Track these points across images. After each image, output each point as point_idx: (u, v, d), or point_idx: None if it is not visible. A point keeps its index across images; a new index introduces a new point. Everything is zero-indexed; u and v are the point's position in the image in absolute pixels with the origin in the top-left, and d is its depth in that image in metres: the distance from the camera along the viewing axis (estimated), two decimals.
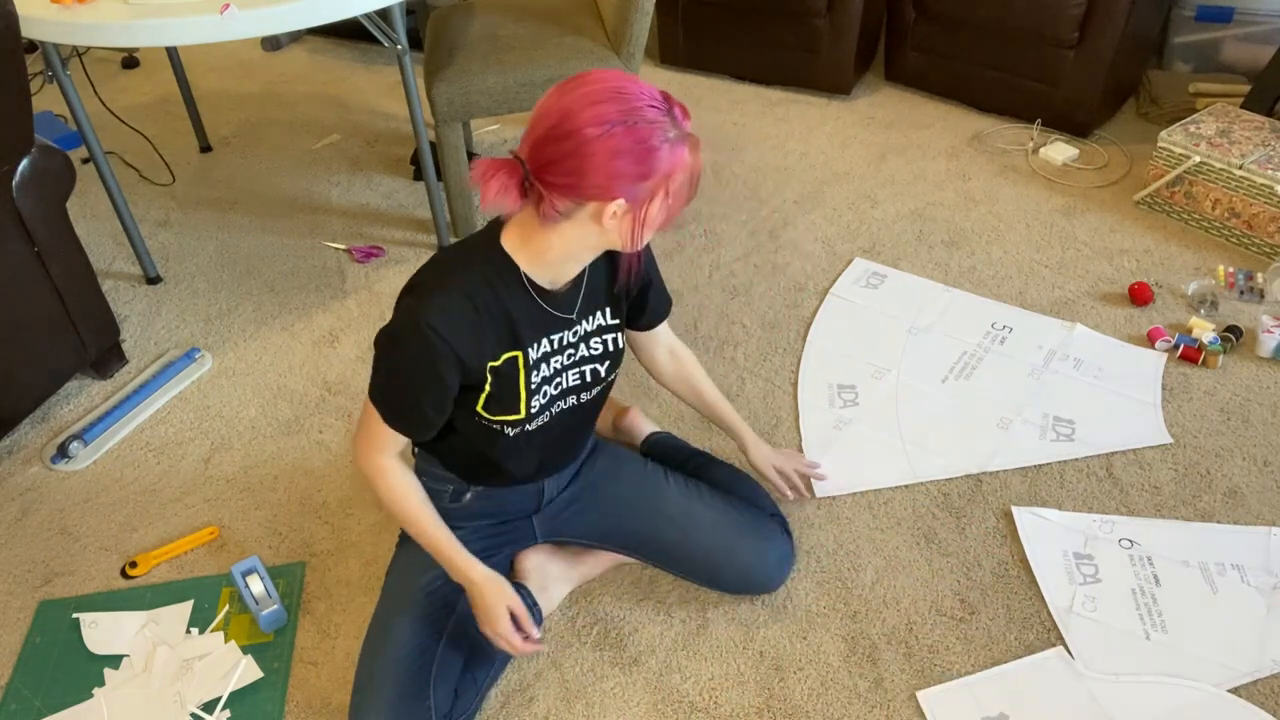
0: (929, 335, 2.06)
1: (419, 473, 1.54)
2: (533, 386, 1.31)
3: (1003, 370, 1.97)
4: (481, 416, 1.31)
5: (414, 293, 1.23)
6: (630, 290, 1.41)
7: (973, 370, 1.96)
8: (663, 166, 1.12)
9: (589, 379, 1.39)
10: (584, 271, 1.31)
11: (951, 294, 2.20)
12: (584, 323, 1.34)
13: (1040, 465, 1.79)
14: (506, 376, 1.28)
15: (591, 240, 1.19)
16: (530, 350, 1.29)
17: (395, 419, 1.29)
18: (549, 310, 1.29)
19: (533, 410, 1.33)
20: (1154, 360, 1.99)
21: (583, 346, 1.35)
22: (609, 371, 1.41)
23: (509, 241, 1.24)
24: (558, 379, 1.35)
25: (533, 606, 1.54)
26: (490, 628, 1.39)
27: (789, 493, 1.69)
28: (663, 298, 1.52)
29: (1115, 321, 2.15)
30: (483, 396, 1.29)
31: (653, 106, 1.11)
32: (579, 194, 1.12)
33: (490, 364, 1.26)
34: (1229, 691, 1.45)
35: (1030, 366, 1.98)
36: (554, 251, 1.21)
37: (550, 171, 1.11)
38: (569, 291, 1.30)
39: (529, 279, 1.24)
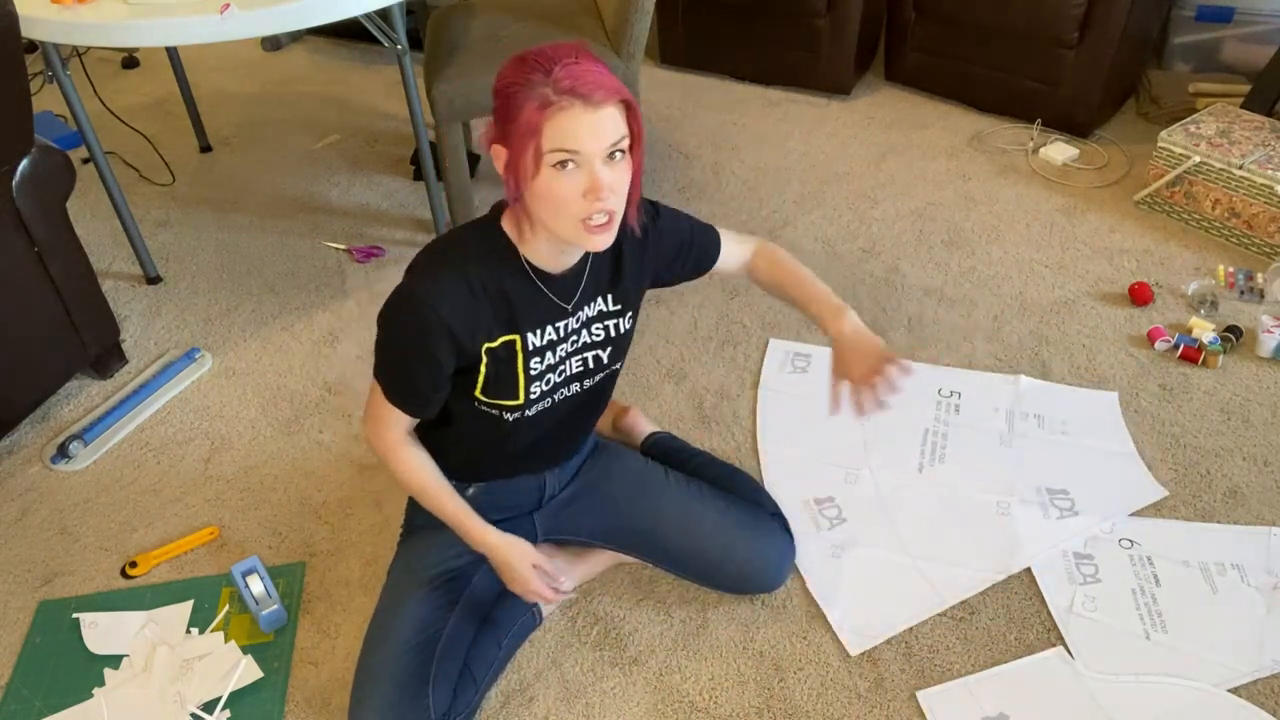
0: (882, 418, 1.89)
1: (410, 508, 1.55)
2: (533, 373, 1.31)
3: (972, 445, 1.85)
4: (480, 401, 1.32)
5: (411, 270, 1.24)
6: (639, 280, 1.39)
7: (943, 451, 1.85)
8: (521, 116, 1.10)
9: (591, 365, 1.39)
10: (588, 259, 1.30)
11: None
12: (585, 308, 1.34)
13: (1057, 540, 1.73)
14: (504, 361, 1.28)
15: (544, 211, 1.17)
16: (530, 336, 1.29)
17: (393, 394, 1.30)
18: (549, 295, 1.28)
19: (532, 396, 1.33)
20: (1108, 401, 1.93)
21: (584, 333, 1.35)
22: (612, 359, 1.40)
23: (508, 222, 1.25)
24: (561, 366, 1.35)
25: (532, 605, 1.54)
26: (520, 587, 1.43)
27: (889, 379, 1.36)
28: (701, 256, 1.46)
29: (1115, 321, 2.15)
30: (480, 379, 1.29)
31: (538, 58, 1.11)
32: (490, 139, 1.16)
33: (486, 345, 1.26)
34: (1229, 691, 1.45)
35: (997, 434, 1.88)
36: (532, 228, 1.22)
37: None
38: (571, 278, 1.29)
39: (528, 262, 1.25)
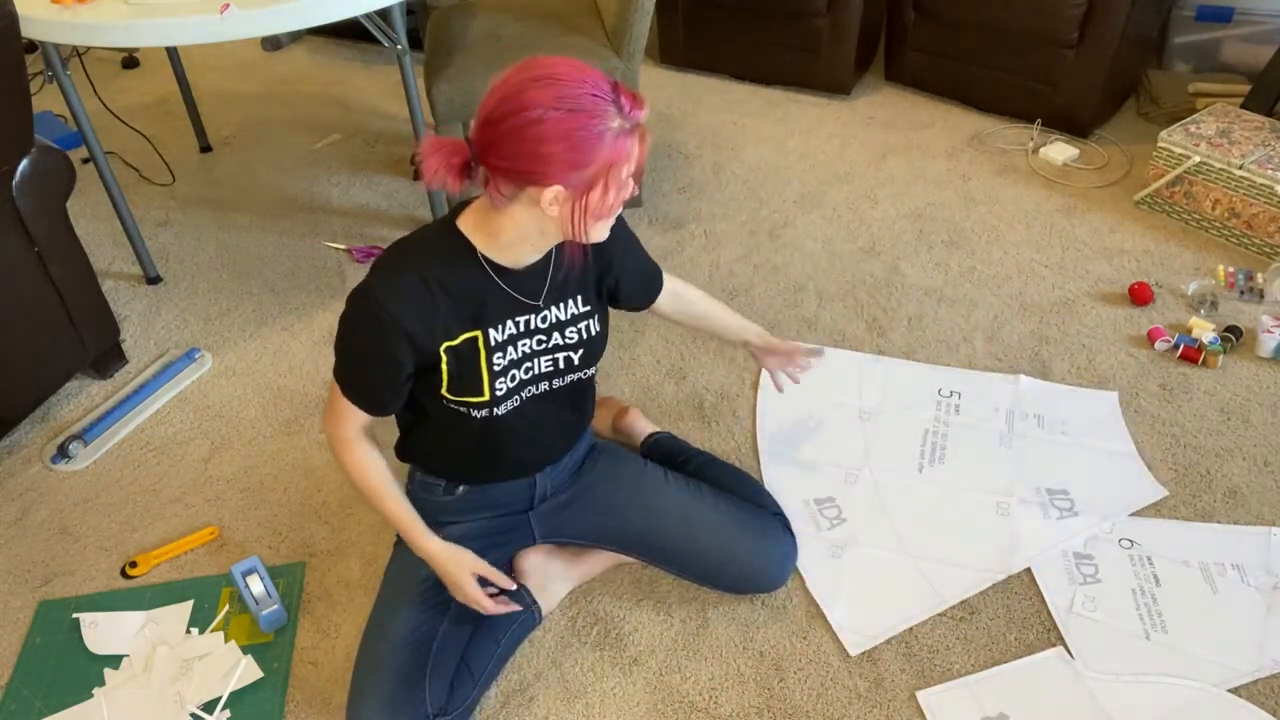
0: (882, 418, 1.92)
1: (410, 477, 1.54)
2: (496, 368, 1.31)
3: (972, 445, 1.85)
4: (446, 399, 1.32)
5: (371, 271, 1.25)
6: (600, 277, 1.40)
7: (943, 451, 1.85)
8: (602, 155, 1.10)
9: (561, 365, 1.39)
10: (550, 255, 1.30)
11: (883, 364, 2.05)
12: (555, 309, 1.34)
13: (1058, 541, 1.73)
14: (466, 357, 1.28)
15: (539, 225, 1.19)
16: (492, 331, 1.29)
17: (350, 392, 1.31)
18: (511, 293, 1.28)
19: (498, 393, 1.33)
20: (1108, 401, 1.93)
21: (556, 335, 1.35)
22: (584, 361, 1.40)
23: (465, 222, 1.25)
24: (527, 363, 1.35)
25: (531, 604, 1.54)
26: (461, 595, 1.42)
27: (788, 378, 1.72)
28: (644, 281, 1.52)
29: (1115, 321, 2.15)
30: (444, 378, 1.29)
31: (595, 95, 1.08)
32: (516, 178, 1.12)
33: (446, 344, 1.26)
34: (1229, 691, 1.45)
35: (996, 434, 1.88)
36: (506, 234, 1.22)
37: (491, 154, 1.12)
38: (533, 276, 1.29)
39: (486, 259, 1.25)
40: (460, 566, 1.40)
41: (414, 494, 1.51)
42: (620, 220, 1.38)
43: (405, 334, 1.22)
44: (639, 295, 1.52)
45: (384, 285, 1.21)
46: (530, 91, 1.08)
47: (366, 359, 1.26)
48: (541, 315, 1.33)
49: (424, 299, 1.22)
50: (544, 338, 1.34)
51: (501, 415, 1.36)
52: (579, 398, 1.48)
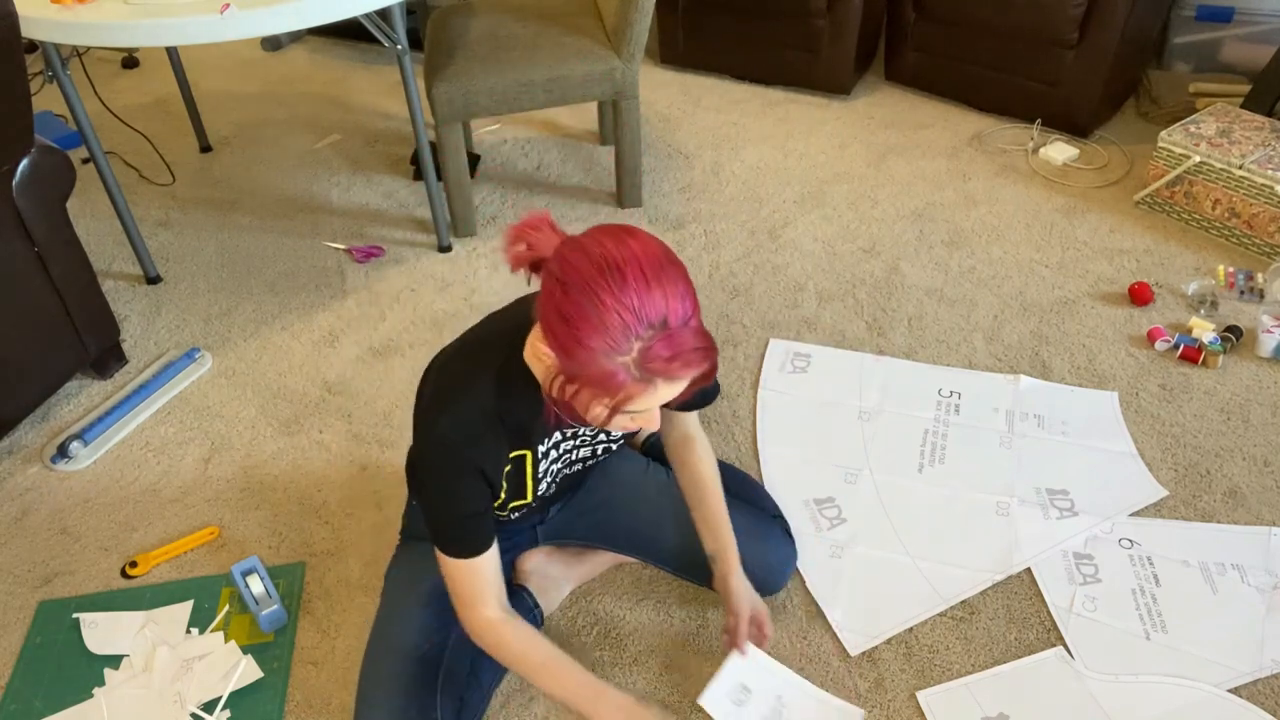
0: (882, 418, 1.91)
1: (413, 505, 1.54)
2: (539, 474, 1.31)
3: (972, 445, 1.85)
4: (495, 513, 1.31)
5: (428, 415, 1.18)
6: None
7: (943, 451, 1.85)
8: (590, 373, 0.99)
9: (600, 452, 1.39)
10: None
11: (883, 363, 2.05)
12: None
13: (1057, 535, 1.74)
14: (515, 474, 1.27)
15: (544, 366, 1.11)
16: (540, 446, 1.27)
17: (457, 543, 1.23)
18: (564, 419, 1.24)
19: (540, 492, 1.33)
20: (1108, 401, 1.93)
21: (601, 434, 1.35)
22: (619, 439, 1.40)
23: (531, 355, 1.17)
24: (567, 455, 1.34)
25: (534, 608, 1.54)
26: None
27: (741, 644, 1.41)
28: (700, 397, 1.40)
29: (1115, 321, 2.15)
30: (502, 497, 1.28)
31: (628, 321, 0.96)
32: (538, 313, 1.04)
33: (506, 469, 1.24)
34: (1229, 691, 1.45)
35: (997, 434, 1.87)
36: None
37: (542, 273, 1.05)
38: None
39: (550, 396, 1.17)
40: None
41: (416, 509, 1.51)
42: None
43: (481, 473, 1.19)
44: (690, 403, 1.41)
45: (457, 429, 1.15)
46: (584, 253, 0.99)
47: (455, 494, 1.20)
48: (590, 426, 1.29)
49: (490, 437, 1.18)
50: (588, 438, 1.33)
51: (534, 505, 1.36)
52: (608, 453, 1.46)
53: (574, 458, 1.36)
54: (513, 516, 1.35)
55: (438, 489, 1.20)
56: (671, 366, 0.98)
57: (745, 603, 1.42)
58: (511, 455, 1.24)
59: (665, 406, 1.21)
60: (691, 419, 1.48)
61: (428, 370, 1.24)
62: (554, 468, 1.34)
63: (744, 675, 1.40)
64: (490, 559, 1.25)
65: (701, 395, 1.41)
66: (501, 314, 1.26)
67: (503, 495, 1.27)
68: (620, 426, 1.11)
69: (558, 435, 1.29)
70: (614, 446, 1.39)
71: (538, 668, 1.26)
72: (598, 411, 1.05)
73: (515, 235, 1.06)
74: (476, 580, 1.25)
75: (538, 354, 1.09)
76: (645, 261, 0.97)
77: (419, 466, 1.21)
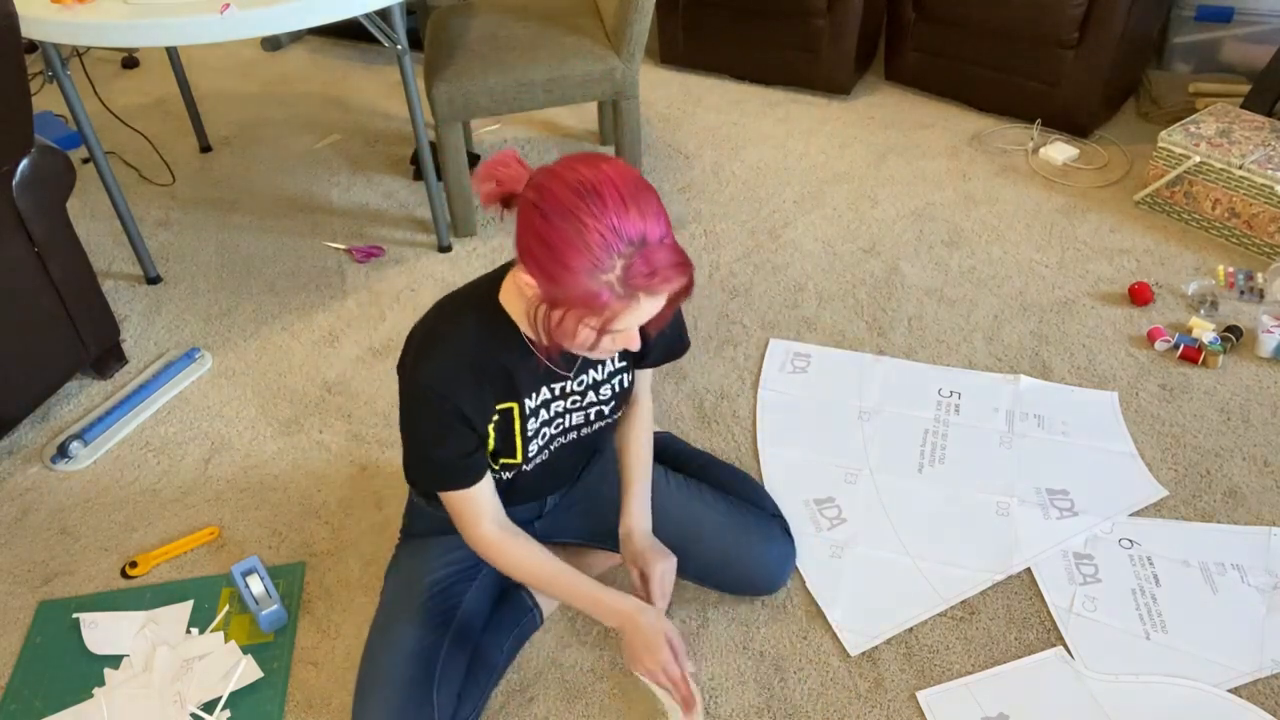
0: (881, 418, 1.91)
1: (412, 504, 1.54)
2: (529, 433, 1.31)
3: (972, 445, 1.85)
4: (489, 464, 1.32)
5: (413, 356, 1.22)
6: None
7: (943, 451, 1.85)
8: (574, 292, 1.03)
9: (593, 418, 1.39)
10: None
11: (884, 362, 2.05)
12: (592, 371, 1.33)
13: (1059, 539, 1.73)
14: (503, 428, 1.28)
15: (525, 302, 1.13)
16: (527, 400, 1.28)
17: (452, 481, 1.28)
18: (549, 366, 1.27)
19: (530, 454, 1.34)
20: (1108, 401, 1.93)
21: (590, 394, 1.35)
22: (614, 411, 1.40)
23: (507, 294, 1.21)
24: (559, 420, 1.35)
25: (533, 608, 1.54)
26: (649, 660, 1.30)
27: (649, 592, 1.41)
28: (671, 346, 1.44)
29: (1115, 321, 2.15)
30: (490, 449, 1.29)
31: (609, 239, 1.00)
32: (517, 244, 1.07)
33: (493, 420, 1.26)
34: (1229, 691, 1.45)
35: (997, 434, 1.87)
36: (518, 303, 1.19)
37: (518, 204, 1.08)
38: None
39: (530, 339, 1.21)
40: (656, 631, 1.30)
41: (417, 505, 1.51)
42: None
43: (464, 416, 1.21)
44: (660, 356, 1.46)
45: (432, 374, 1.19)
46: (559, 180, 1.03)
47: (445, 442, 1.23)
48: (578, 379, 1.32)
49: (472, 385, 1.21)
50: (579, 398, 1.34)
51: (528, 470, 1.37)
52: (601, 438, 1.47)
53: (567, 424, 1.36)
54: (503, 475, 1.34)
55: (423, 435, 1.24)
56: (653, 281, 1.03)
57: (651, 558, 1.40)
58: (499, 407, 1.25)
59: (644, 344, 1.27)
60: (647, 376, 1.50)
61: (410, 332, 1.26)
62: (545, 431, 1.33)
63: None
64: (484, 487, 1.30)
65: (671, 348, 1.45)
66: (479, 278, 1.28)
67: (491, 444, 1.28)
68: (605, 350, 1.13)
69: (546, 393, 1.29)
70: (605, 411, 1.38)
71: (542, 579, 1.34)
72: (585, 335, 1.08)
73: (485, 174, 1.09)
74: (471, 505, 1.30)
75: (519, 288, 1.11)
76: (620, 183, 1.02)
77: (404, 416, 1.24)
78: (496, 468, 1.33)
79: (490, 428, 1.26)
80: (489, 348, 1.21)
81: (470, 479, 1.29)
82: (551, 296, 1.05)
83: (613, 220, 1.00)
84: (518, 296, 1.19)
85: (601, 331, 1.07)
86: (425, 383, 1.19)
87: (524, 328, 1.21)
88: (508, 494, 1.43)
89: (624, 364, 1.37)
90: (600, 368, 1.34)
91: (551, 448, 1.38)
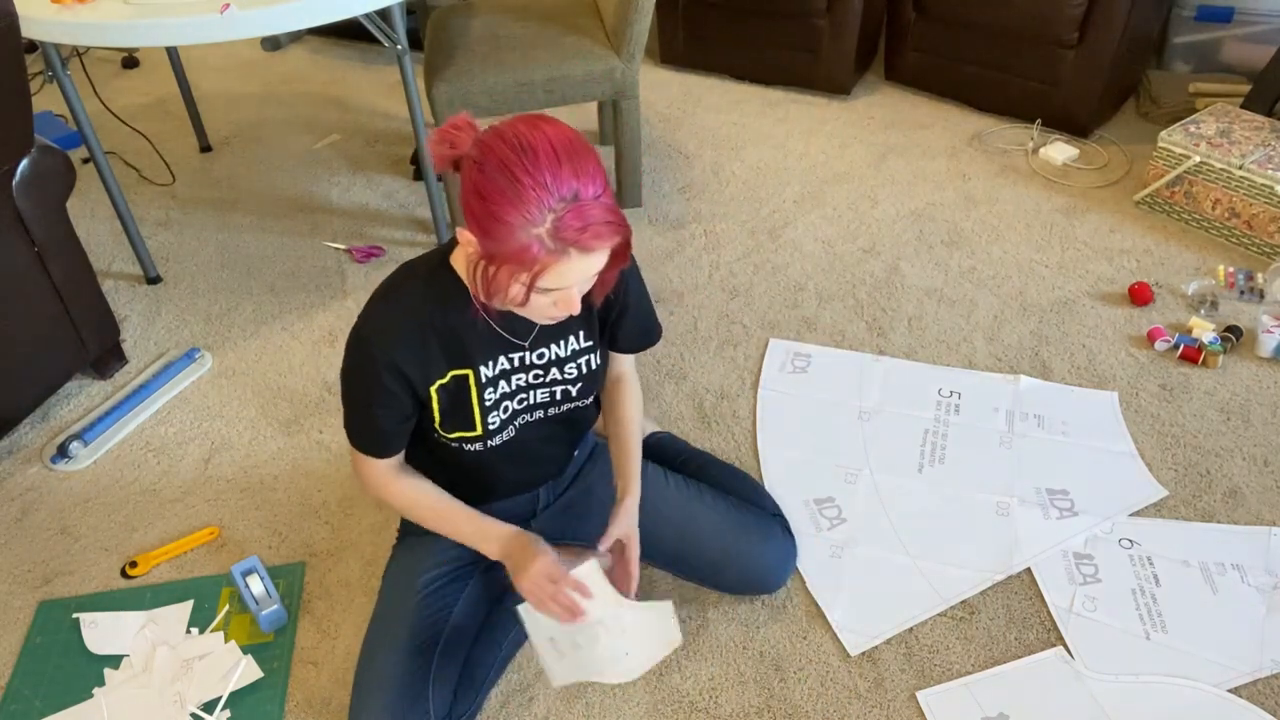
0: (881, 418, 1.91)
1: None
2: (488, 403, 1.30)
3: (972, 445, 1.85)
4: (440, 435, 1.32)
5: (362, 313, 1.24)
6: (605, 315, 1.37)
7: (943, 451, 1.85)
8: (507, 247, 1.04)
9: (558, 397, 1.38)
10: None
11: (884, 362, 2.05)
12: (554, 346, 1.32)
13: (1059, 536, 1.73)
14: (456, 394, 1.28)
15: (468, 262, 1.14)
16: (483, 368, 1.28)
17: (360, 439, 1.30)
18: (501, 332, 1.27)
19: (490, 427, 1.33)
20: (1108, 401, 1.93)
21: (554, 370, 1.34)
22: (582, 394, 1.39)
23: (457, 258, 1.23)
24: (521, 395, 1.34)
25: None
26: (525, 581, 1.31)
27: (626, 567, 1.41)
28: (642, 333, 1.45)
29: (1115, 321, 2.15)
30: (435, 415, 1.29)
31: (541, 192, 1.02)
32: (460, 202, 1.10)
33: (438, 382, 1.26)
34: (1229, 691, 1.45)
35: (997, 434, 1.87)
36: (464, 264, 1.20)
37: (462, 164, 1.10)
38: (525, 318, 1.26)
39: (480, 300, 1.19)
40: (532, 559, 1.31)
41: None
42: (634, 267, 1.37)
43: (401, 373, 1.22)
44: (632, 344, 1.46)
45: (376, 327, 1.21)
46: (500, 138, 1.05)
47: (372, 401, 1.25)
48: (538, 352, 1.32)
49: (415, 340, 1.22)
50: (540, 373, 1.34)
51: (496, 446, 1.36)
52: (574, 424, 1.47)
53: (532, 401, 1.35)
54: (466, 449, 1.34)
55: (354, 385, 1.25)
56: (583, 237, 1.04)
57: (621, 526, 1.41)
58: (451, 373, 1.26)
59: (604, 322, 1.33)
60: (628, 360, 1.51)
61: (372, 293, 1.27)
62: (507, 404, 1.33)
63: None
64: (393, 460, 1.34)
65: (643, 336, 1.45)
66: (425, 254, 1.29)
67: (436, 411, 1.28)
68: (541, 312, 1.15)
69: (504, 363, 1.29)
70: (572, 392, 1.37)
71: (432, 513, 1.37)
72: (515, 290, 1.10)
73: (439, 138, 1.10)
74: (375, 469, 1.34)
75: (464, 248, 1.12)
76: (557, 142, 1.04)
77: (343, 365, 1.26)
78: (452, 438, 1.32)
79: (433, 390, 1.26)
80: (437, 307, 1.22)
81: (389, 451, 1.31)
82: (487, 251, 1.07)
83: (546, 176, 1.02)
84: (467, 263, 1.20)
85: (530, 287, 1.08)
86: (366, 334, 1.21)
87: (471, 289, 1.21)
88: (490, 479, 1.43)
89: (589, 343, 1.36)
90: (563, 344, 1.33)
91: (516, 424, 1.37)
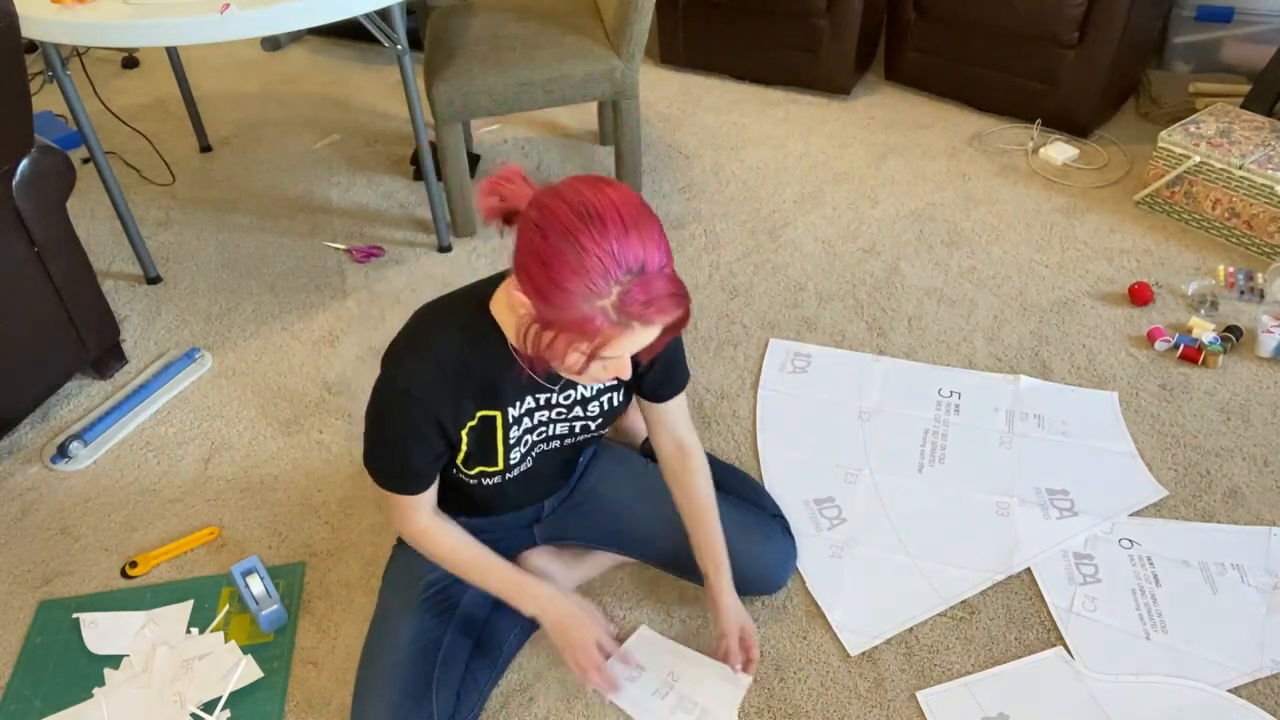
0: (881, 418, 1.91)
1: None
2: (511, 440, 1.30)
3: (972, 445, 1.85)
4: (461, 470, 1.32)
5: (395, 355, 1.22)
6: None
7: (943, 451, 1.84)
8: (567, 316, 1.01)
9: (578, 430, 1.38)
10: None
11: (884, 362, 2.05)
12: (581, 388, 1.31)
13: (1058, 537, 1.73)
14: (483, 434, 1.27)
15: (516, 318, 1.12)
16: (510, 409, 1.27)
17: (392, 482, 1.29)
18: (535, 377, 1.26)
19: (512, 461, 1.33)
20: (1108, 401, 1.93)
21: (578, 409, 1.34)
22: (600, 426, 1.39)
23: (498, 305, 1.20)
24: (542, 428, 1.34)
25: None
26: (576, 657, 1.33)
27: (734, 663, 1.43)
28: (667, 377, 1.40)
29: (1115, 321, 2.15)
30: (461, 455, 1.29)
31: (608, 264, 0.98)
32: (514, 261, 1.05)
33: (468, 424, 1.25)
34: (1229, 691, 1.45)
35: (997, 434, 1.87)
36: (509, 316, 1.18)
37: (518, 221, 1.07)
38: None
39: (517, 350, 1.19)
40: (581, 625, 1.33)
41: None
42: None
43: (436, 422, 1.21)
44: (659, 393, 1.41)
45: (410, 376, 1.19)
46: (562, 200, 1.01)
47: (403, 445, 1.24)
48: (564, 393, 1.31)
49: (450, 392, 1.20)
50: (564, 410, 1.33)
51: (511, 478, 1.36)
52: (587, 445, 1.47)
53: (550, 433, 1.35)
54: (484, 482, 1.34)
55: (390, 435, 1.24)
56: (649, 311, 1.01)
57: (734, 623, 1.43)
58: (479, 414, 1.25)
59: (635, 370, 1.22)
60: (682, 419, 1.46)
61: (403, 326, 1.26)
62: (528, 439, 1.33)
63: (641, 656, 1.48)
64: (427, 495, 1.32)
65: (671, 385, 1.41)
66: (474, 283, 1.27)
67: (463, 451, 1.27)
68: (594, 376, 1.12)
69: (530, 401, 1.28)
70: (592, 426, 1.37)
71: (467, 564, 1.36)
72: (574, 359, 1.07)
73: (489, 188, 1.08)
74: (412, 503, 1.32)
75: (510, 305, 1.10)
76: (624, 209, 1.00)
77: (375, 408, 1.24)
78: (472, 474, 1.32)
79: (464, 433, 1.25)
80: (474, 356, 1.20)
81: (416, 488, 1.30)
82: (545, 317, 1.03)
83: (613, 245, 0.98)
84: (509, 310, 1.17)
85: (591, 357, 1.05)
86: (404, 385, 1.19)
87: (512, 339, 1.20)
88: (499, 502, 1.43)
89: (614, 382, 1.35)
90: (589, 385, 1.32)
91: (534, 455, 1.37)
